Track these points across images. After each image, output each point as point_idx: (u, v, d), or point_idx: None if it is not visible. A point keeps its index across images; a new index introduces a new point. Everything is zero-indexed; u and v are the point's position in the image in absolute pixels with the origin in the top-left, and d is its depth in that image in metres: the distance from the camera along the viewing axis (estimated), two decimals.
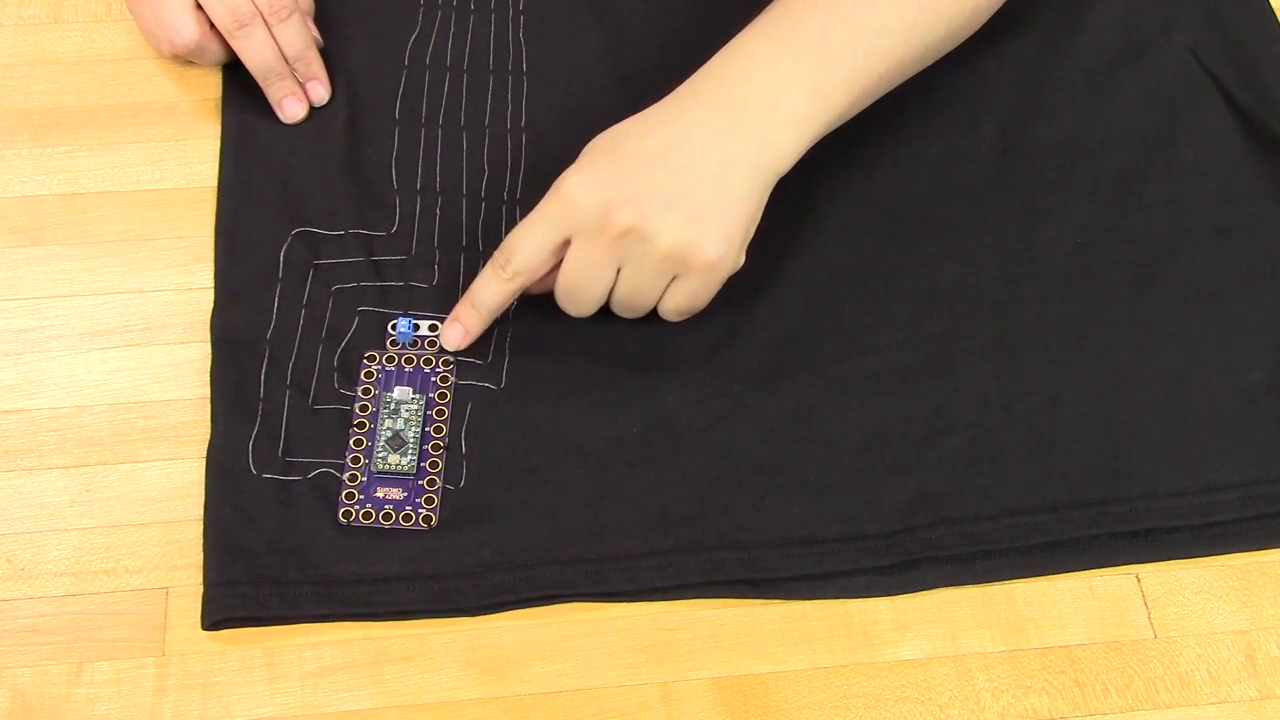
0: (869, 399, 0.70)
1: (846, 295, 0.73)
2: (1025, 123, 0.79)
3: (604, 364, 0.70)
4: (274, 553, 0.65)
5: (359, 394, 0.69)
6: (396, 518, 0.66)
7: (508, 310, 0.71)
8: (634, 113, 0.69)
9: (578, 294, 0.68)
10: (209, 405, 0.69)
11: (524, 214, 0.70)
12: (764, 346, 0.71)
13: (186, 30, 0.76)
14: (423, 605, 0.64)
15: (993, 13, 0.76)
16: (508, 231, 0.70)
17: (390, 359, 0.70)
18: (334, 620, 0.64)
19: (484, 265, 0.69)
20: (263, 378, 0.69)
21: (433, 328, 0.71)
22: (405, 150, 0.77)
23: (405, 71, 0.80)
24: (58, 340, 0.71)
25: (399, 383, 0.70)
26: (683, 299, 0.68)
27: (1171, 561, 0.67)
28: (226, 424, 0.68)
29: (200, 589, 0.64)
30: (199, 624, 0.64)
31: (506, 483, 0.67)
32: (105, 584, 0.65)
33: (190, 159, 0.77)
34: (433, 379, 0.70)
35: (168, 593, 0.65)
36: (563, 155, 0.69)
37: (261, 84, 0.77)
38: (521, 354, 0.71)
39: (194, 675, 0.63)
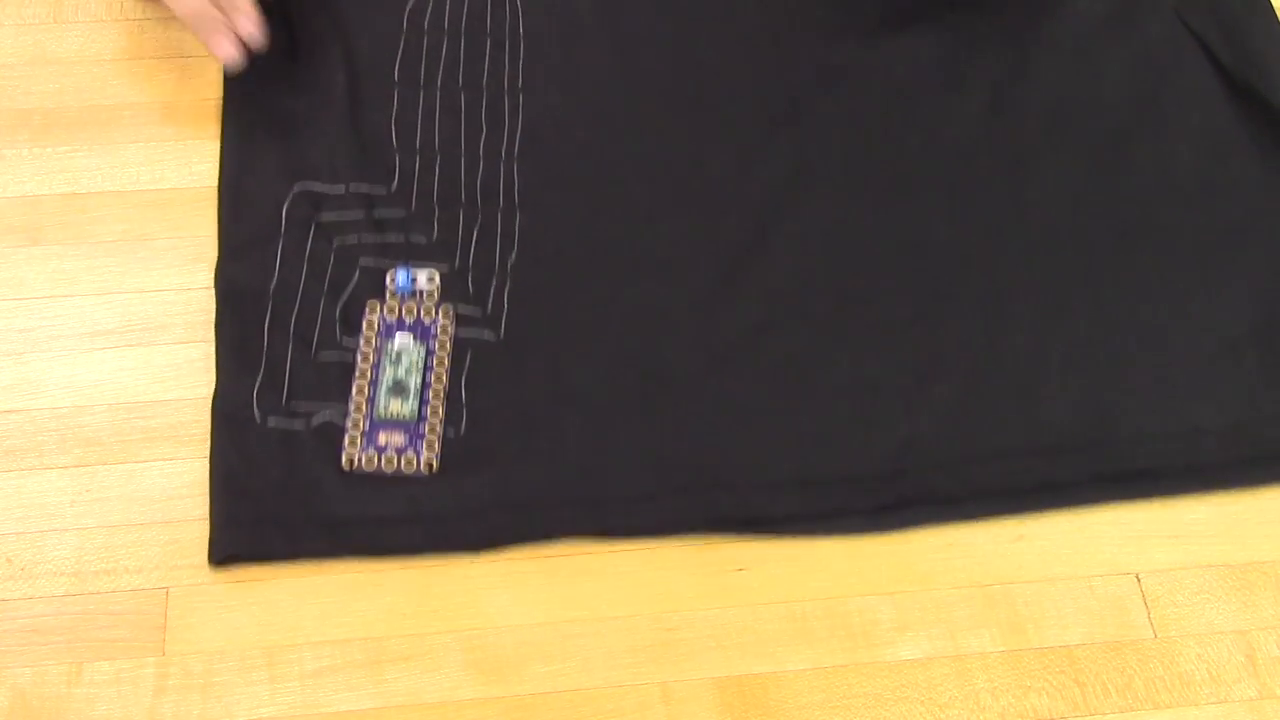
0: (861, 349, 0.72)
1: (839, 250, 0.74)
2: (1014, 84, 0.80)
3: (601, 315, 0.71)
4: (279, 495, 0.66)
5: (360, 344, 0.71)
6: (399, 462, 0.67)
7: (506, 263, 0.73)
8: (630, 73, 0.71)
9: None
10: (208, 408, 0.69)
11: (521, 172, 0.75)
12: (759, 298, 0.72)
13: None
14: (424, 544, 0.66)
15: None
16: (506, 190, 0.75)
17: (391, 309, 0.72)
18: (337, 557, 0.65)
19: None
20: (266, 329, 0.71)
21: (430, 279, 0.72)
22: (404, 111, 0.79)
23: (404, 35, 0.81)
24: (58, 340, 0.71)
25: (400, 332, 0.71)
26: None
27: (1172, 561, 0.68)
28: (231, 373, 0.69)
29: (198, 586, 0.65)
30: (199, 622, 0.64)
31: (505, 429, 0.68)
32: (105, 584, 0.65)
33: (190, 159, 0.77)
34: (432, 329, 0.71)
35: (168, 593, 0.65)
36: (559, 114, 0.74)
37: (193, 30, 0.76)
38: (520, 305, 0.72)
39: (194, 675, 0.63)
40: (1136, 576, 0.67)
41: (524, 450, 0.68)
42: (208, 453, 0.68)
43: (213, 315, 0.72)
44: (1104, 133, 0.79)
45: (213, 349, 0.71)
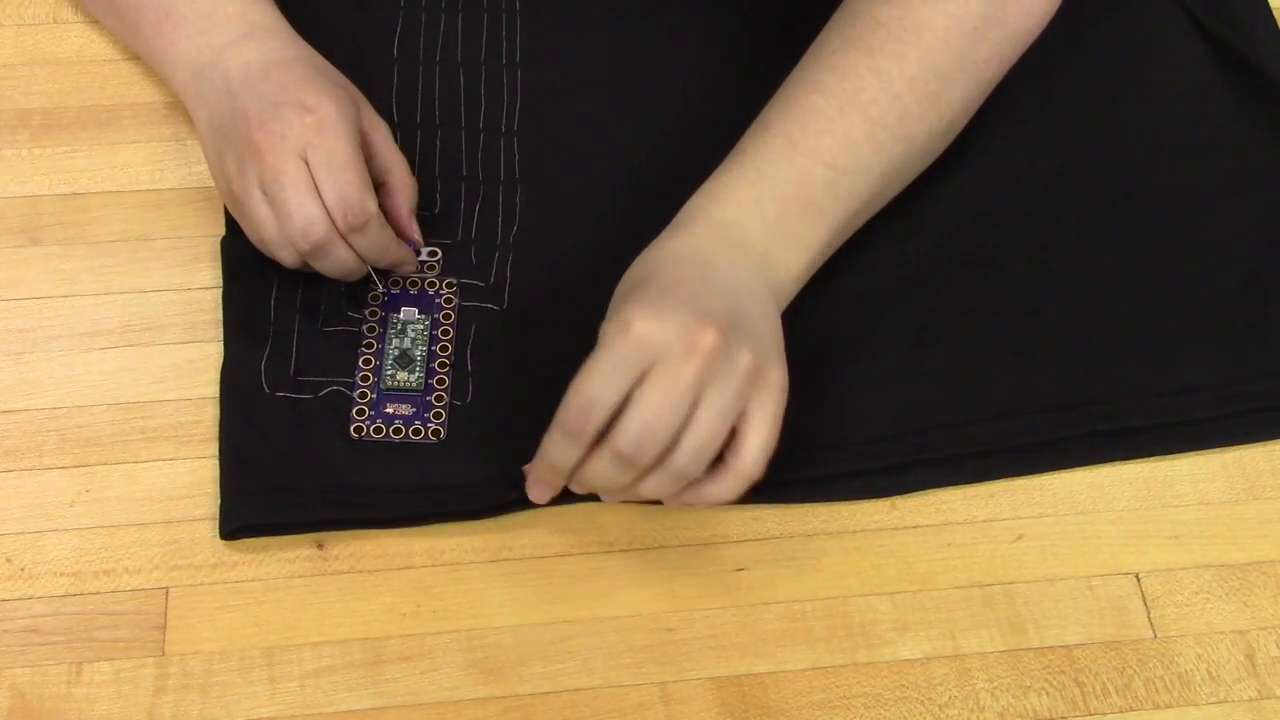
0: (859, 314, 0.73)
1: None
2: None
3: (602, 285, 0.71)
4: (288, 464, 0.67)
5: (366, 315, 0.72)
6: (406, 432, 0.68)
7: (508, 236, 0.74)
8: (628, 45, 0.77)
9: (656, 433, 0.61)
10: (208, 408, 0.69)
11: (521, 146, 0.76)
12: None
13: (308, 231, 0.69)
14: (432, 509, 0.67)
15: (968, 118, 0.74)
16: (506, 164, 0.76)
17: (395, 282, 0.73)
18: (346, 528, 0.66)
19: (553, 425, 0.63)
20: (273, 303, 0.71)
21: (432, 253, 0.73)
22: (404, 87, 0.80)
23: (402, 13, 0.82)
24: (58, 340, 0.71)
25: (405, 304, 0.72)
26: (769, 423, 0.63)
27: (1172, 561, 0.68)
28: (239, 346, 0.70)
29: (198, 586, 0.65)
30: (199, 622, 0.64)
31: (511, 398, 0.69)
32: (105, 584, 0.65)
33: (190, 159, 0.77)
34: (437, 300, 0.72)
35: (168, 593, 0.65)
36: (557, 87, 0.78)
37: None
38: (522, 277, 0.73)
39: (194, 675, 0.63)
40: (1136, 576, 0.67)
41: (530, 419, 0.67)
42: (208, 453, 0.68)
43: (212, 316, 0.72)
44: (1092, 96, 0.81)
45: (213, 349, 0.71)
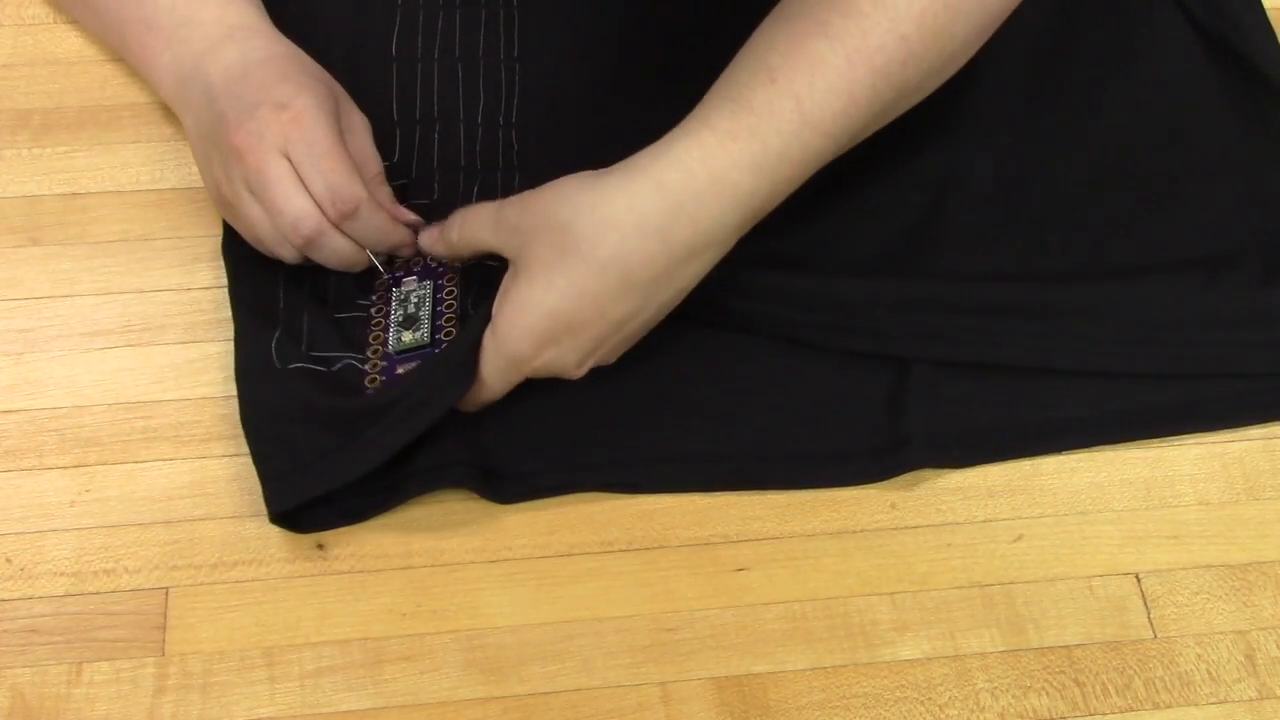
0: (839, 273, 0.73)
1: (828, 198, 0.76)
2: (992, 35, 0.81)
3: None
4: (313, 430, 0.66)
5: (374, 300, 0.72)
6: None
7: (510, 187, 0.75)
8: (624, 38, 0.79)
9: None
10: (208, 408, 0.69)
11: (520, 138, 0.78)
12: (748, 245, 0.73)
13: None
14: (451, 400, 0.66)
15: (966, 58, 0.71)
16: (505, 155, 0.77)
17: (399, 266, 0.73)
18: (386, 476, 0.66)
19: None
20: (281, 292, 0.71)
21: None
22: (404, 83, 0.80)
23: (400, 10, 0.83)
24: (58, 340, 0.71)
25: (406, 277, 0.72)
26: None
27: (1171, 561, 0.68)
28: (250, 331, 0.70)
29: (198, 586, 0.65)
30: (199, 622, 0.64)
31: None
32: (105, 584, 0.65)
33: (190, 159, 0.77)
34: (440, 270, 0.73)
35: (168, 593, 0.65)
36: (556, 80, 0.79)
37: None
38: None
39: (194, 675, 0.63)
40: (1136, 576, 0.67)
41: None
42: (208, 453, 0.68)
43: (212, 315, 0.72)
44: (1078, 81, 0.82)
45: (213, 349, 0.71)
